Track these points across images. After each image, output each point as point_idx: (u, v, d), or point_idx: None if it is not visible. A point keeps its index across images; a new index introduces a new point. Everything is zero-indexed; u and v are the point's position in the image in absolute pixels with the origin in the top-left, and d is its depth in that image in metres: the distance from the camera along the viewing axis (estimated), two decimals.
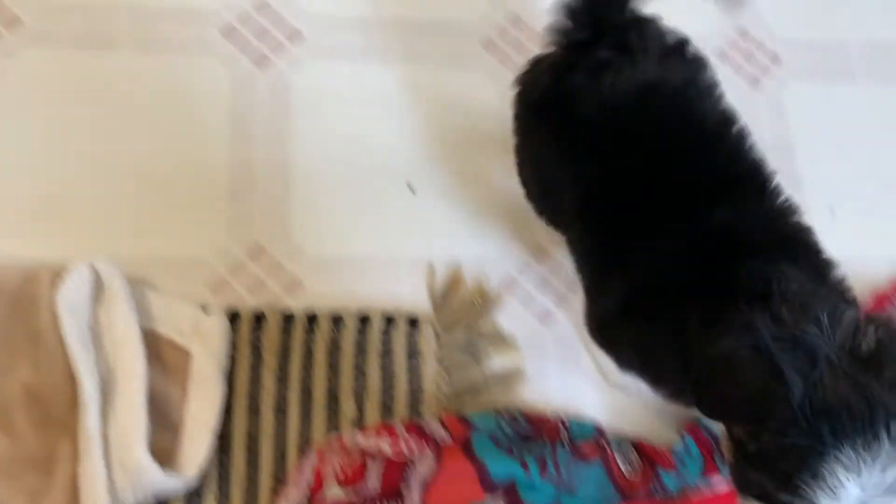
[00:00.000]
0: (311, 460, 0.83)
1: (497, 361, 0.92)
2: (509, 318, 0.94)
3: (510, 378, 0.91)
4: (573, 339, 0.95)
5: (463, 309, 0.92)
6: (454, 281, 0.93)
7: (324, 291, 0.91)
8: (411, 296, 0.92)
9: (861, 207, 1.05)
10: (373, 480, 0.82)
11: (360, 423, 0.86)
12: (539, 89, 0.77)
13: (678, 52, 0.74)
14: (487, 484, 0.86)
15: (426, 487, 0.84)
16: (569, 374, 0.93)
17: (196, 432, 0.81)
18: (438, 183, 0.99)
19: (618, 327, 0.75)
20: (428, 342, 0.90)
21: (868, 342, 0.53)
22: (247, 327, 0.87)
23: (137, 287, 0.86)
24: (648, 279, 0.67)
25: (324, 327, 0.88)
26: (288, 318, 0.88)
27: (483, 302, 0.93)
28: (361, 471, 0.82)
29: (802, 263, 0.62)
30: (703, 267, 0.63)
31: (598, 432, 0.89)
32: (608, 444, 0.88)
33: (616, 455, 0.87)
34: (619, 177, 0.70)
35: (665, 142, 0.69)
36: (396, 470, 0.83)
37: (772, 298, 0.55)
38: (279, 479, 0.82)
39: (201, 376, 0.83)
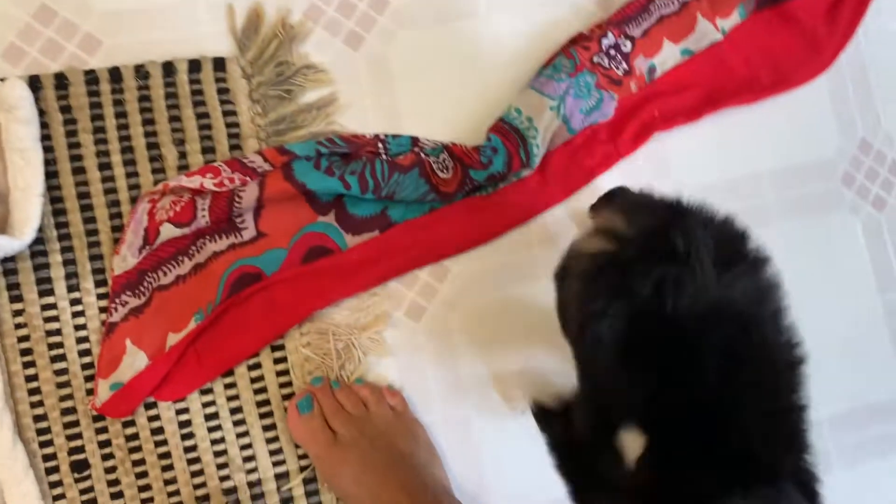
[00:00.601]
0: (143, 206, 0.88)
1: (311, 92, 0.95)
2: (317, 47, 0.95)
3: (325, 107, 0.95)
4: (385, 58, 0.98)
5: (268, 44, 0.93)
6: (255, 17, 0.93)
7: (124, 46, 0.90)
8: (214, 39, 0.93)
9: None
10: (203, 215, 0.89)
11: (185, 169, 0.90)
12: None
13: (737, 255, 0.65)
14: (317, 206, 0.93)
15: (258, 214, 0.91)
16: (383, 95, 0.97)
17: (23, 198, 0.85)
18: None
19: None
20: (237, 82, 0.92)
21: None
22: (51, 92, 0.88)
23: None
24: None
25: (129, 82, 0.89)
26: (91, 77, 0.89)
27: (288, 34, 0.94)
28: (190, 208, 0.89)
29: None
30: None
31: (413, 143, 0.95)
32: (423, 151, 0.95)
33: (431, 160, 0.95)
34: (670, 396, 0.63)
35: (720, 369, 0.62)
36: (223, 202, 0.89)
37: None
38: (116, 229, 0.88)
39: (16, 145, 0.85)
